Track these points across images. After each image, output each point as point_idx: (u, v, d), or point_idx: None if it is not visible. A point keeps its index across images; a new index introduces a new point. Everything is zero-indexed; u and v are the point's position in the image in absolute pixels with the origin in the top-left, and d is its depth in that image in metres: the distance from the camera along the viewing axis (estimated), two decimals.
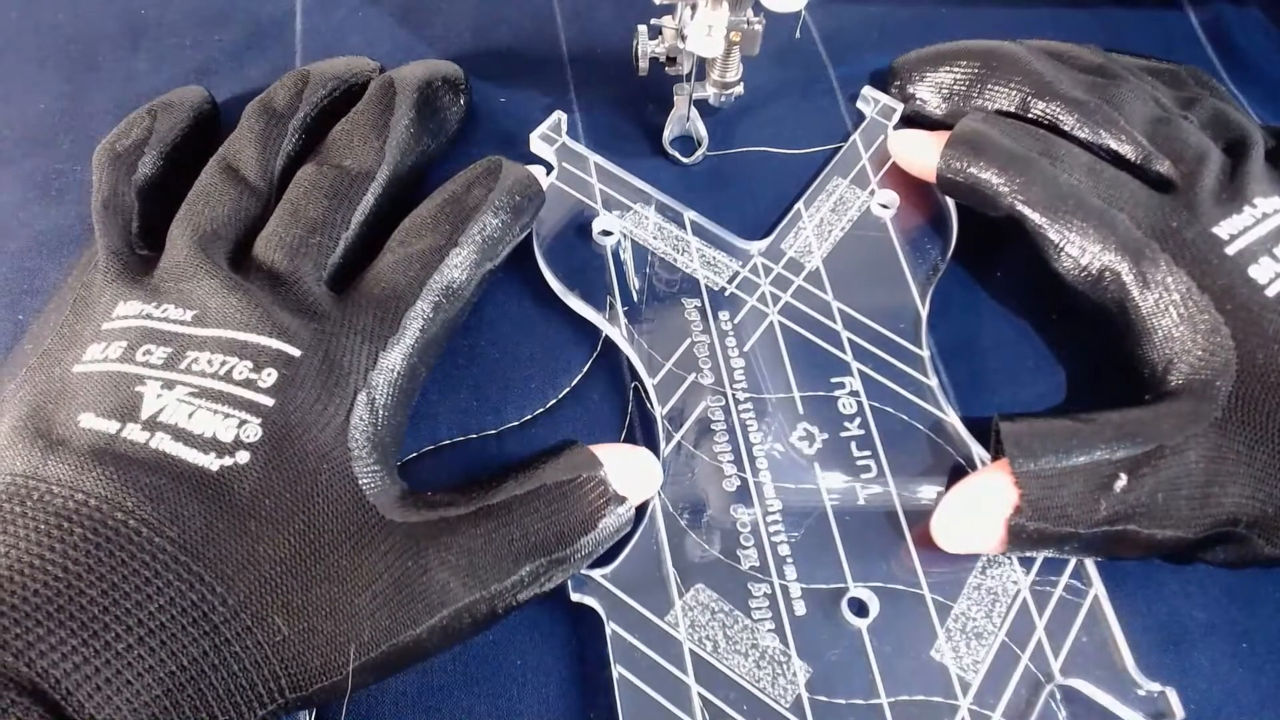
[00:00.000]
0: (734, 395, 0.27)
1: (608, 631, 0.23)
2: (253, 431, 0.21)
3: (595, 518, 0.22)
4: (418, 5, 0.36)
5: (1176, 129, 0.28)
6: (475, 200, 0.26)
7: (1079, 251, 0.26)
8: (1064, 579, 0.24)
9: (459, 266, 0.25)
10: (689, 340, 0.28)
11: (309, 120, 0.29)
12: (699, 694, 0.22)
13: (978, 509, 0.23)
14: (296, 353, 0.23)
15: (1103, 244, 0.26)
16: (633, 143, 0.32)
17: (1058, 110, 0.29)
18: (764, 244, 0.30)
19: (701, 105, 0.32)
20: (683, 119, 0.32)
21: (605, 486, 0.23)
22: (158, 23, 0.35)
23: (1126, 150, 0.28)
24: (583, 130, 0.33)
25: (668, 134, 0.32)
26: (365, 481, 0.22)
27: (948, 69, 0.32)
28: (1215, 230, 0.26)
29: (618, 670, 0.22)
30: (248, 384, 0.22)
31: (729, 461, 0.25)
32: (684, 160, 0.32)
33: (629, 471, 0.24)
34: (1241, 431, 0.23)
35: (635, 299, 0.28)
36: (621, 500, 0.23)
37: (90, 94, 0.33)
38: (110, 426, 0.21)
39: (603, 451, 0.24)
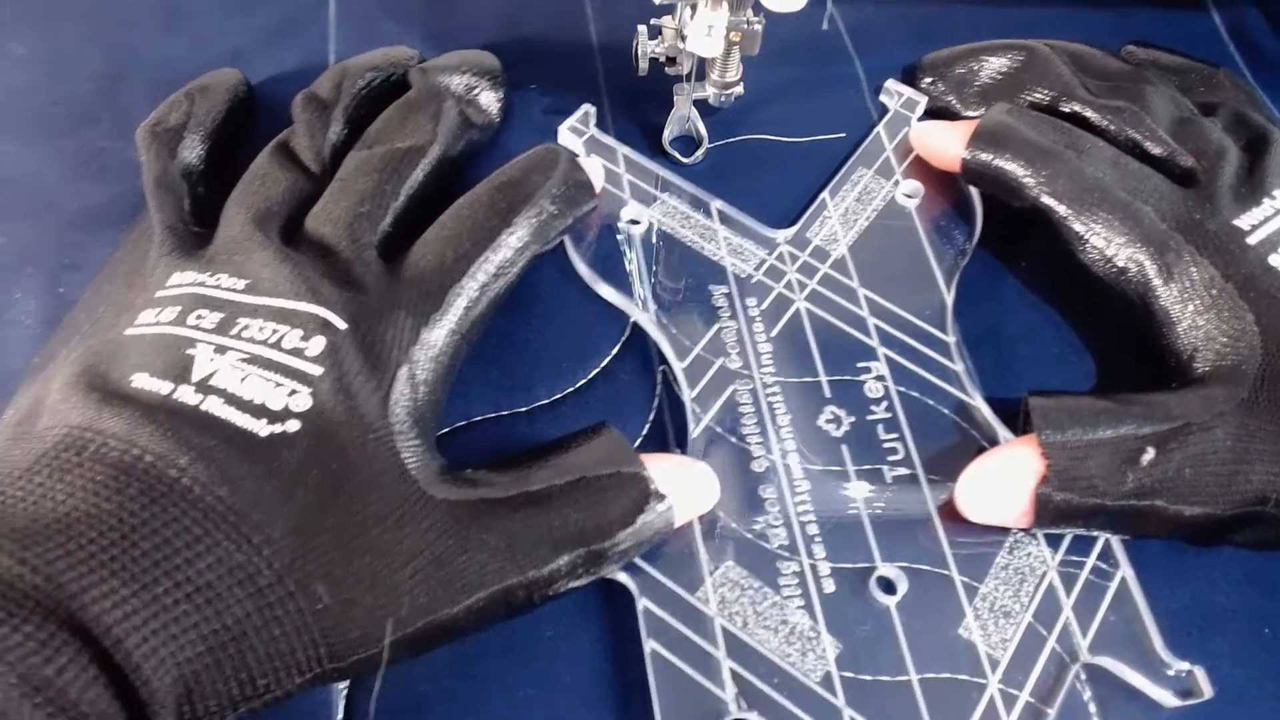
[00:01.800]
0: (761, 379, 0.27)
1: (639, 606, 0.23)
2: (302, 401, 0.21)
3: (634, 513, 0.22)
4: None
5: (1198, 127, 0.29)
6: (534, 185, 0.27)
7: (1104, 243, 0.26)
8: (1091, 559, 0.24)
9: (512, 247, 0.25)
10: (717, 326, 0.28)
11: (350, 110, 0.29)
12: (730, 668, 0.22)
13: (1004, 478, 0.23)
14: (342, 324, 0.23)
15: (1128, 236, 0.26)
16: (662, 130, 0.33)
17: (1084, 109, 0.30)
18: (790, 232, 0.30)
19: (702, 105, 0.32)
20: (683, 119, 0.32)
21: (646, 483, 0.23)
22: (194, 7, 0.35)
23: (1150, 146, 0.29)
24: (611, 119, 0.33)
25: (667, 134, 0.32)
26: (406, 456, 0.22)
27: (976, 67, 0.32)
28: (1236, 222, 0.26)
29: (650, 644, 0.22)
30: (296, 352, 0.22)
31: (757, 444, 0.26)
32: (684, 160, 0.32)
33: (683, 487, 0.23)
34: (1269, 411, 0.23)
35: (663, 286, 0.29)
36: (662, 497, 0.23)
37: (129, 75, 0.33)
38: (163, 387, 0.21)
39: (655, 463, 0.23)
